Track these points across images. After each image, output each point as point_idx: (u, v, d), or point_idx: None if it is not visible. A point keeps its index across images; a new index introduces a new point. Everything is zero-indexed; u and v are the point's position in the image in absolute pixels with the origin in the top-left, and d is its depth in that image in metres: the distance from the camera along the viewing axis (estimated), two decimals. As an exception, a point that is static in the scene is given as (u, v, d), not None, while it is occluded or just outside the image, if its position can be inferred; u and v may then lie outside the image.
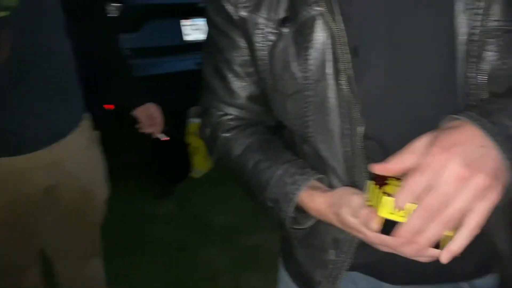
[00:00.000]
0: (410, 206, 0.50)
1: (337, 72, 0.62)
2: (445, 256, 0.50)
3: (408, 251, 0.54)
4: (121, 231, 2.32)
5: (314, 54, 0.63)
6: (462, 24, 0.58)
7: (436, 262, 0.54)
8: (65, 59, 1.31)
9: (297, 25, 0.64)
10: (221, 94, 0.76)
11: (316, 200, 0.64)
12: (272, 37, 0.67)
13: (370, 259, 0.69)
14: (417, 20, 0.61)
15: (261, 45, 0.68)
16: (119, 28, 2.84)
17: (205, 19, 0.76)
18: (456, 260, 0.52)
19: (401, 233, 0.50)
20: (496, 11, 0.58)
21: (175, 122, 2.72)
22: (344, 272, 0.71)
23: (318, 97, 0.64)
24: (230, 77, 0.74)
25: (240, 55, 0.72)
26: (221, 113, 0.77)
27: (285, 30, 0.66)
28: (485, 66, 0.58)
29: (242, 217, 2.72)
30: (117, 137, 1.88)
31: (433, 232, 0.49)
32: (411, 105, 0.62)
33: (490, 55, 0.58)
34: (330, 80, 0.63)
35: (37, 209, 1.36)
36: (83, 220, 1.44)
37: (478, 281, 0.72)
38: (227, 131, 0.76)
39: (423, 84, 0.62)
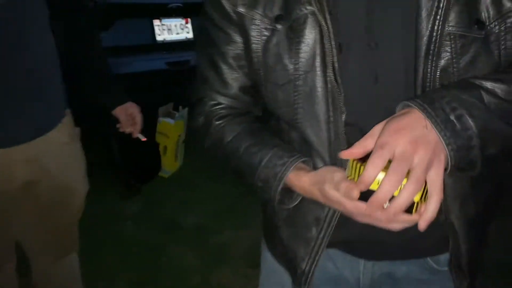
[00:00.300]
0: (381, 176, 0.58)
1: (324, 65, 0.70)
2: (422, 224, 0.60)
3: (383, 217, 0.61)
4: (88, 230, 2.29)
5: (305, 48, 0.71)
6: (424, 27, 0.68)
7: (406, 238, 0.64)
8: (45, 53, 1.31)
9: (290, 22, 0.72)
10: (215, 84, 0.82)
11: (302, 179, 0.72)
12: (267, 33, 0.74)
13: (347, 236, 0.78)
14: (390, 22, 0.70)
15: (256, 39, 0.75)
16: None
17: (198, 15, 0.83)
18: (421, 235, 0.62)
19: (376, 197, 0.58)
20: (452, 19, 0.67)
21: (145, 121, 2.73)
22: (324, 249, 0.79)
23: (307, 87, 0.72)
24: (224, 68, 0.80)
25: (235, 49, 0.78)
26: (214, 102, 0.83)
27: (279, 26, 0.73)
28: (441, 63, 0.68)
29: (210, 217, 2.75)
30: (85, 135, 1.88)
31: (404, 195, 0.58)
32: (384, 97, 0.71)
33: (445, 55, 0.68)
34: (319, 72, 0.71)
35: (15, 204, 1.36)
36: (61, 216, 1.44)
37: (442, 257, 0.81)
38: (220, 118, 0.82)
39: (392, 78, 0.71)
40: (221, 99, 0.82)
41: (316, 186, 0.69)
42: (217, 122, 0.82)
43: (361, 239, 0.77)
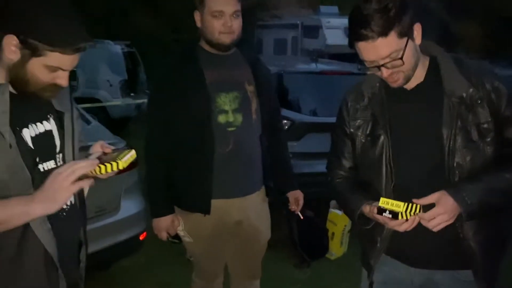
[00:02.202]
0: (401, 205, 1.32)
1: (387, 155, 1.48)
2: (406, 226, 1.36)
3: (403, 227, 1.35)
4: (267, 284, 3.08)
5: (378, 148, 1.50)
6: (445, 132, 1.42)
7: (441, 253, 1.43)
8: (259, 152, 2.22)
9: (373, 136, 1.52)
10: (336, 165, 1.64)
11: (367, 209, 1.45)
12: (363, 141, 1.55)
13: (396, 245, 1.47)
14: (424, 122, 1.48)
15: (357, 144, 1.57)
16: (288, 138, 3.90)
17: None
18: (450, 253, 1.38)
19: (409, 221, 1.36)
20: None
21: (318, 210, 3.55)
22: (382, 255, 1.49)
23: (379, 167, 1.49)
24: (342, 159, 1.63)
25: (346, 149, 1.61)
26: (337, 171, 1.64)
27: (368, 138, 1.54)
28: (457, 157, 1.42)
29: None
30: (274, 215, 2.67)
31: (432, 224, 1.35)
32: (419, 171, 1.46)
33: (459, 147, 1.42)
34: (384, 160, 1.49)
35: (228, 235, 2.22)
36: (254, 249, 2.30)
37: (467, 271, 1.44)
38: (338, 179, 1.64)
39: (426, 160, 1.46)
40: (340, 171, 1.64)
41: (373, 213, 1.41)
42: (337, 181, 1.64)
43: (405, 248, 1.45)
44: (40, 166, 1.35)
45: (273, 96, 2.39)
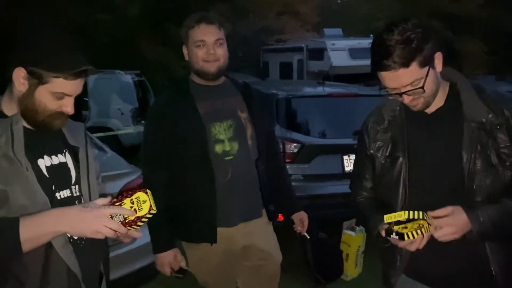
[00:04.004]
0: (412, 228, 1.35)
1: (404, 176, 1.54)
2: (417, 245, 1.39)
3: (412, 247, 1.38)
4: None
5: (397, 170, 1.55)
6: (465, 156, 1.46)
7: (456, 274, 1.46)
8: (256, 177, 2.24)
9: (392, 158, 1.57)
10: (358, 185, 1.71)
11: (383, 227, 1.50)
12: (382, 162, 1.60)
13: (416, 266, 1.51)
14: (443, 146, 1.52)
15: (377, 165, 1.62)
16: (297, 160, 3.97)
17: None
18: (466, 272, 1.40)
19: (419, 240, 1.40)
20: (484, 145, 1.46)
21: (331, 232, 3.58)
22: (401, 274, 1.54)
23: (396, 188, 1.54)
24: (363, 179, 1.69)
25: (367, 170, 1.67)
26: (359, 191, 1.70)
27: (387, 160, 1.59)
28: (477, 180, 1.45)
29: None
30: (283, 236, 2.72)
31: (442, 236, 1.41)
32: (437, 193, 1.51)
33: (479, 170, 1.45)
34: (401, 181, 1.54)
35: (236, 259, 2.24)
36: (264, 271, 2.30)
37: None
38: (360, 199, 1.70)
39: (444, 183, 1.50)
40: (362, 192, 1.71)
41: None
42: (359, 200, 1.71)
43: (431, 273, 1.48)
44: (57, 194, 1.42)
45: (266, 120, 2.45)
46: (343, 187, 4.25)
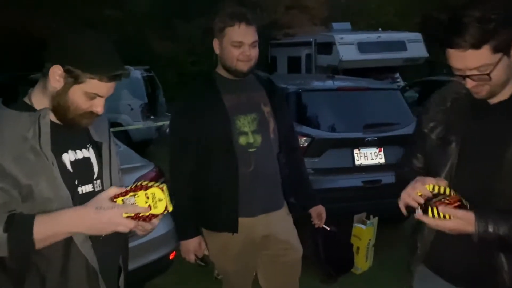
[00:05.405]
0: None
1: (453, 162, 1.48)
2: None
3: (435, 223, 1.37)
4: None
5: (447, 154, 1.48)
6: (508, 156, 1.37)
7: (478, 271, 1.41)
8: (278, 170, 2.28)
9: (444, 141, 1.50)
10: (408, 162, 1.68)
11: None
12: (434, 141, 1.53)
13: (436, 257, 1.50)
14: (487, 150, 1.44)
15: (428, 144, 1.56)
16: (308, 154, 3.98)
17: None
18: (482, 274, 1.36)
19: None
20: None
21: (342, 225, 3.60)
22: (421, 263, 1.54)
23: (442, 168, 1.49)
24: (413, 158, 1.66)
25: (419, 149, 1.62)
26: (410, 162, 1.67)
27: (439, 141, 1.52)
28: (505, 183, 1.37)
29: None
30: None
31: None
32: (472, 188, 1.43)
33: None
34: (448, 166, 1.48)
35: (256, 249, 2.28)
36: (285, 261, 2.32)
37: None
38: (408, 168, 1.67)
39: (480, 179, 1.43)
40: (413, 162, 1.66)
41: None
42: (406, 169, 1.69)
43: (450, 267, 1.48)
44: (79, 189, 1.46)
45: (287, 115, 2.49)
46: (353, 181, 4.37)
